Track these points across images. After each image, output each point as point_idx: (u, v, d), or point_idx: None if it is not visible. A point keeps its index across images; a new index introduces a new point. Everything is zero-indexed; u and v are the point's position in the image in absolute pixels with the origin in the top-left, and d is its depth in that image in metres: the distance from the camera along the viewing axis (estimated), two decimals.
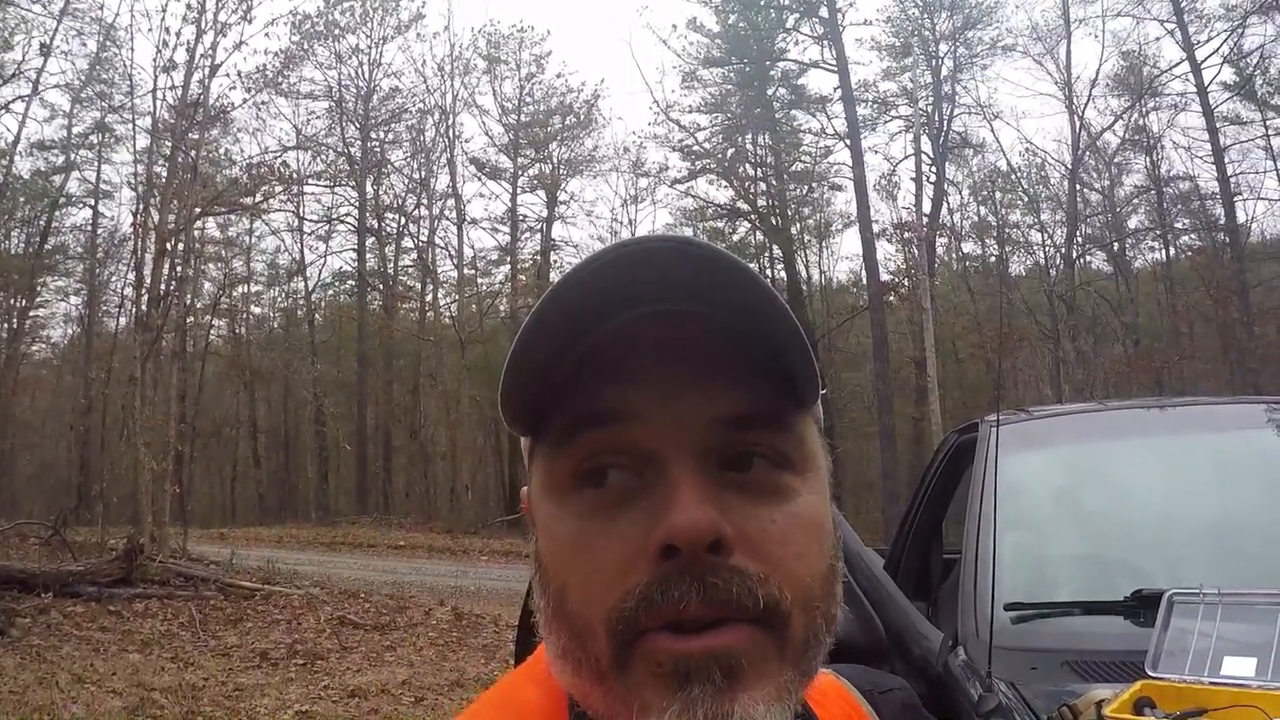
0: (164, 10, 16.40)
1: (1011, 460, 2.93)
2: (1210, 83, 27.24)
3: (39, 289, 29.72)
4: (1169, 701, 1.54)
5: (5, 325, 29.46)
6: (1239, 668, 1.61)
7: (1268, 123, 27.39)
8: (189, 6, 16.15)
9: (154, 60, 16.37)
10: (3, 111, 22.29)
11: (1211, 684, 1.58)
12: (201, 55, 16.33)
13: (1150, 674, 1.68)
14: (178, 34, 16.23)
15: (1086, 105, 28.61)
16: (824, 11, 30.71)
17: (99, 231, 33.01)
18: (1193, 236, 30.38)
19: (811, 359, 0.66)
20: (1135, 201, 30.84)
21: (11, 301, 28.85)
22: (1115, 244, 30.00)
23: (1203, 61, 27.02)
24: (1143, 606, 2.14)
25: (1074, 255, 28.22)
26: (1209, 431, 3.24)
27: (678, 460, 0.63)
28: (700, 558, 0.60)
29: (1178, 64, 27.89)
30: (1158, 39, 28.58)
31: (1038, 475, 3.08)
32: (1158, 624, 1.80)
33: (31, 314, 30.73)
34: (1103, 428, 3.44)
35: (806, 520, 0.66)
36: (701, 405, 0.64)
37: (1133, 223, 31.26)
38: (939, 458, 3.92)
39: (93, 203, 32.03)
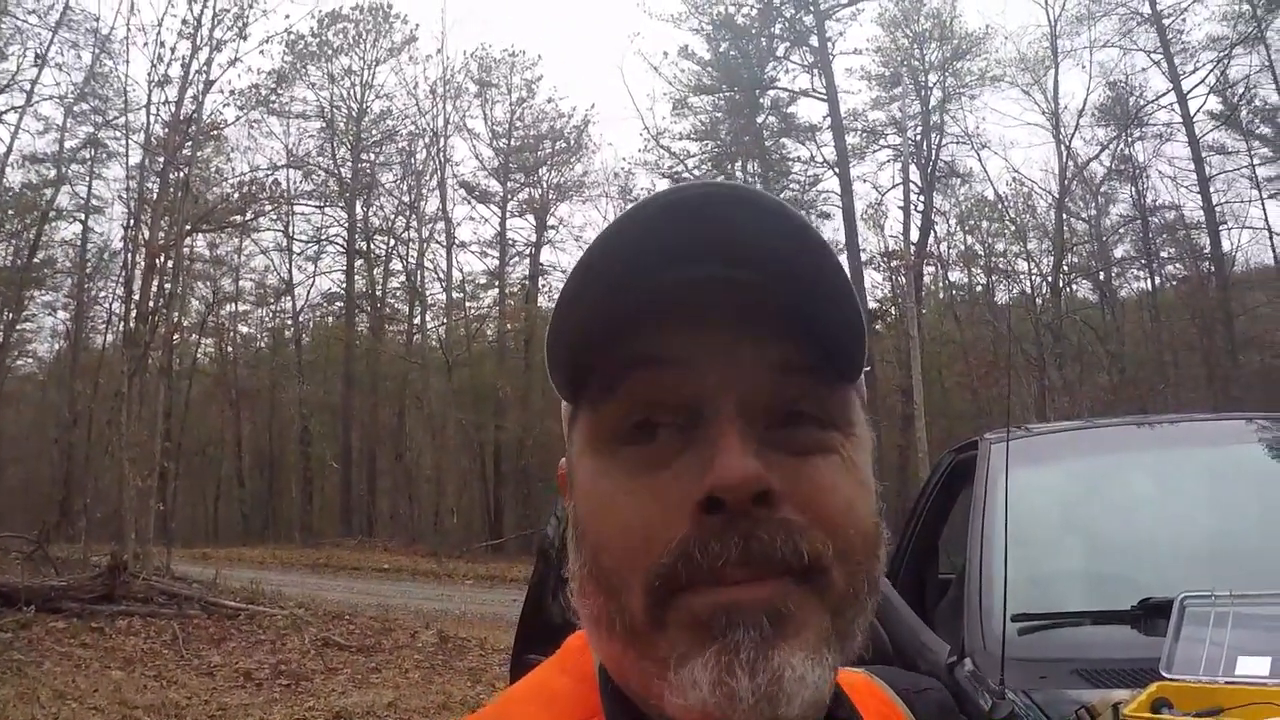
0: (160, 25, 16.13)
1: (1013, 475, 2.95)
2: (1196, 113, 27.63)
3: (26, 303, 29.53)
4: (1185, 701, 1.54)
5: None
6: (1253, 667, 1.62)
7: (1253, 152, 27.77)
8: (184, 22, 16.12)
9: (149, 75, 16.29)
10: None
11: (1227, 683, 1.59)
12: (196, 71, 16.31)
13: (1165, 675, 1.68)
14: (173, 49, 16.18)
15: (1073, 135, 28.88)
16: (814, 41, 31.04)
17: (88, 246, 32.99)
18: (1178, 265, 30.60)
19: (863, 330, 0.65)
20: (1121, 231, 31.07)
21: None
22: (1101, 273, 30.19)
23: (1189, 92, 27.42)
24: (1150, 615, 2.15)
25: (1060, 284, 28.41)
26: (1204, 446, 3.29)
27: (725, 413, 0.62)
28: (746, 511, 0.59)
29: (1164, 94, 28.30)
30: (1144, 69, 28.95)
31: (1040, 489, 3.10)
32: (1170, 626, 1.81)
33: (18, 328, 30.58)
34: (1102, 443, 3.47)
35: (851, 476, 0.65)
36: (750, 352, 0.64)
37: (1119, 252, 31.51)
38: (935, 478, 3.93)
39: (83, 217, 31.93)
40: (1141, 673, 1.81)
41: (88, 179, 31.24)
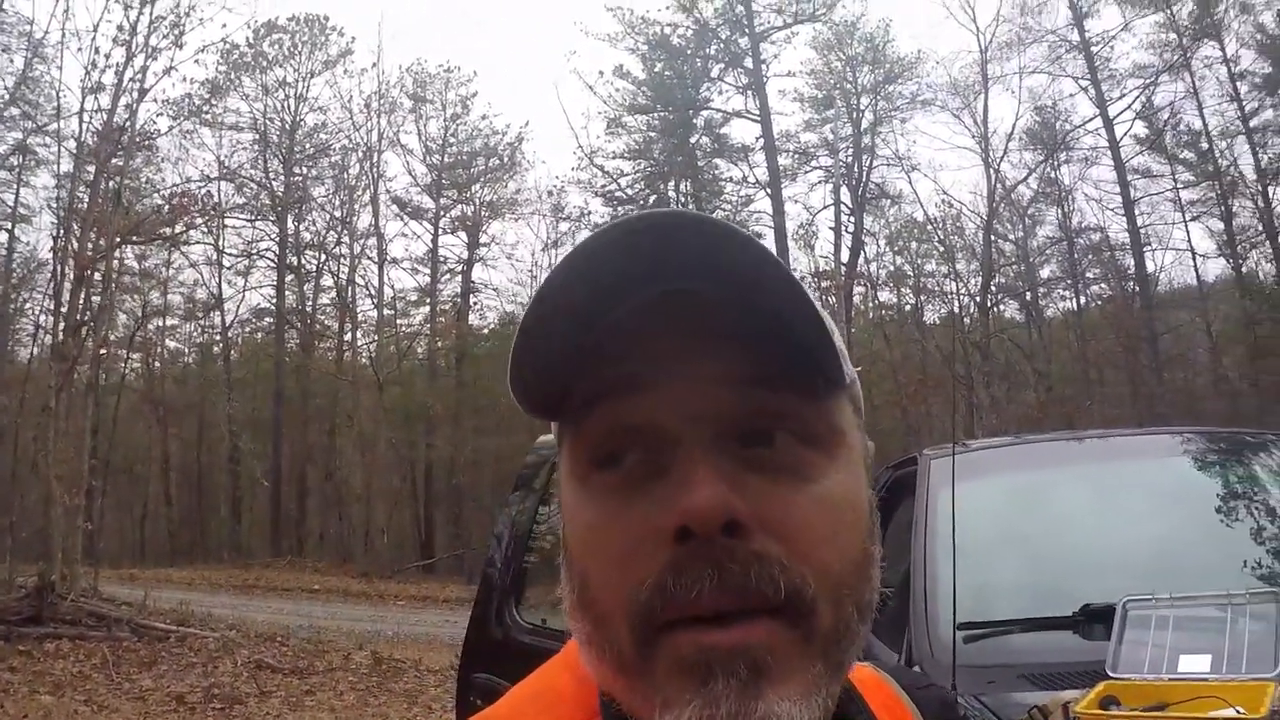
0: (95, 30, 15.81)
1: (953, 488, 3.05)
2: (1122, 137, 28.56)
3: None
4: (1132, 699, 1.63)
5: None
6: (1194, 664, 1.71)
7: (1176, 176, 28.64)
8: (120, 28, 15.86)
9: (82, 82, 15.97)
10: None
11: (1171, 680, 1.68)
12: (130, 79, 16.05)
13: (1112, 675, 1.77)
14: (107, 56, 15.89)
15: (1002, 159, 29.47)
16: (749, 63, 31.37)
17: (14, 256, 32.10)
18: (1103, 286, 31.46)
19: (828, 335, 0.63)
20: (1048, 252, 31.84)
21: None
22: (1028, 293, 30.85)
23: (1115, 117, 28.33)
24: (1090, 620, 2.24)
25: (988, 304, 28.96)
26: (1135, 459, 3.42)
27: (693, 437, 0.61)
28: (715, 540, 0.58)
29: (1091, 119, 29.20)
30: (1072, 95, 29.77)
31: (979, 503, 3.19)
32: (1115, 629, 1.90)
33: None
34: (1037, 458, 3.59)
35: (834, 501, 0.63)
36: (718, 366, 0.62)
37: (1045, 272, 32.29)
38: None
39: (9, 226, 31.04)
40: (1085, 674, 1.90)
41: (15, 186, 30.44)
